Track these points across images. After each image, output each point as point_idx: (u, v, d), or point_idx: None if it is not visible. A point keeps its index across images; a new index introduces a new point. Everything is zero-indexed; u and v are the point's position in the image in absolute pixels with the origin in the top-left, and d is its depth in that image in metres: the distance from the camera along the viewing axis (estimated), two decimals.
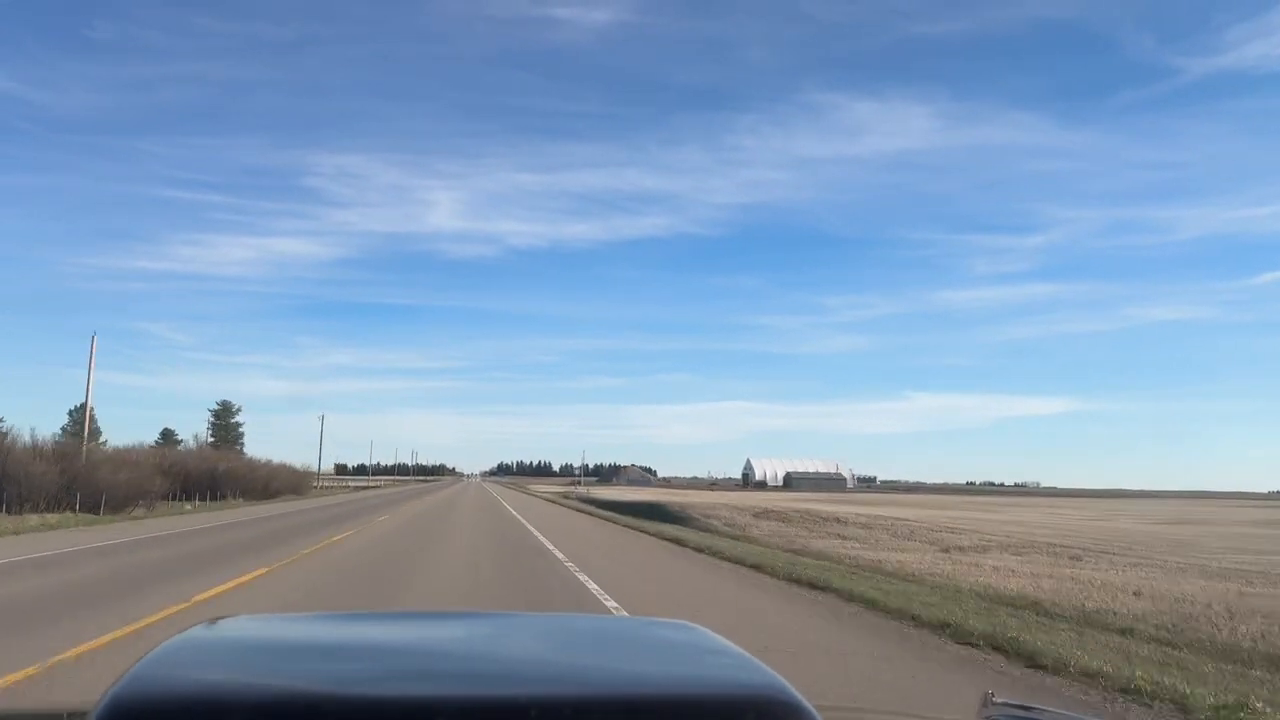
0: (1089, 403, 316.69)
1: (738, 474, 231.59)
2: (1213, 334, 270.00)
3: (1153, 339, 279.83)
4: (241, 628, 1.81)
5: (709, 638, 1.64)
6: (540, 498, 70.80)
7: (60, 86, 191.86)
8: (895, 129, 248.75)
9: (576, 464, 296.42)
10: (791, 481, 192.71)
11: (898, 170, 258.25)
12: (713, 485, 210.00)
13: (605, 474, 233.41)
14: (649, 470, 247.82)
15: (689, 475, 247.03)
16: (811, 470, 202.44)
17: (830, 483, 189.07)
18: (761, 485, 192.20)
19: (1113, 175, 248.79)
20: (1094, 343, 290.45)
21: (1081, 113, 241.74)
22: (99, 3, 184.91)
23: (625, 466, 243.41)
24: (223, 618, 1.79)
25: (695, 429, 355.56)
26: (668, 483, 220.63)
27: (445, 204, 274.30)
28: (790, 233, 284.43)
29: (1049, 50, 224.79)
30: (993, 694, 1.96)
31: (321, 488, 79.61)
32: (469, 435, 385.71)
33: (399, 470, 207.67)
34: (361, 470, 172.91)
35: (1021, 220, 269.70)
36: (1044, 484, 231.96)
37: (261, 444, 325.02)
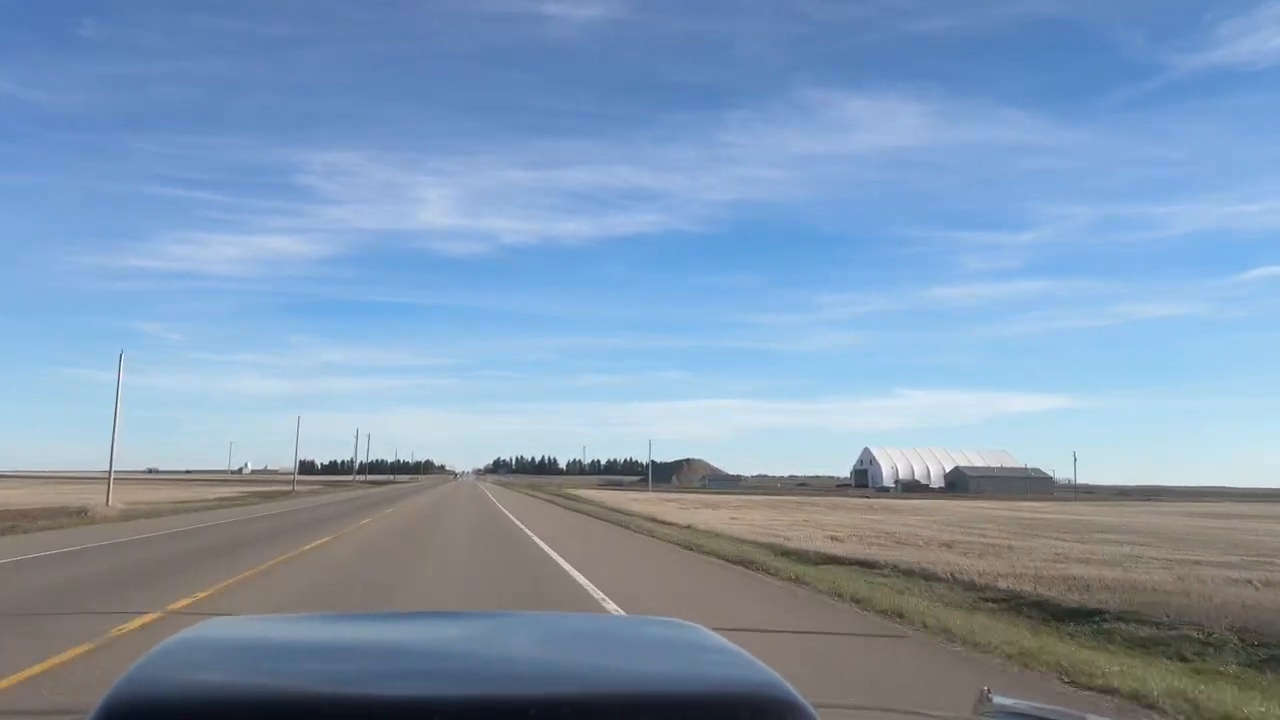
0: (1082, 399, 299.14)
1: (747, 471, 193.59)
2: (1204, 330, 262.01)
3: (1145, 335, 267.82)
4: (238, 628, 1.78)
5: (706, 635, 1.61)
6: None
7: (51, 85, 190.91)
8: (888, 126, 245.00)
9: (586, 460, 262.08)
10: (965, 482, 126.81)
11: (890, 167, 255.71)
12: (801, 486, 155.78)
13: (663, 471, 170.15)
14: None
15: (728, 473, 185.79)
16: (994, 465, 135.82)
17: (1026, 484, 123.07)
18: (915, 486, 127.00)
19: (1104, 172, 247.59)
20: (1086, 339, 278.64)
21: (1073, 110, 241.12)
22: (89, 2, 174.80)
23: (690, 461, 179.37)
24: (219, 617, 1.82)
25: (691, 426, 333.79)
26: (739, 481, 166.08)
27: (437, 201, 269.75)
28: (783, 230, 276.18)
29: (1041, 48, 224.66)
30: (989, 690, 1.89)
31: None
32: (463, 433, 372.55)
33: (370, 469, 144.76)
34: (311, 468, 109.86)
35: (1014, 217, 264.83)
36: (1072, 482, 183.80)
37: (254, 443, 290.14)
